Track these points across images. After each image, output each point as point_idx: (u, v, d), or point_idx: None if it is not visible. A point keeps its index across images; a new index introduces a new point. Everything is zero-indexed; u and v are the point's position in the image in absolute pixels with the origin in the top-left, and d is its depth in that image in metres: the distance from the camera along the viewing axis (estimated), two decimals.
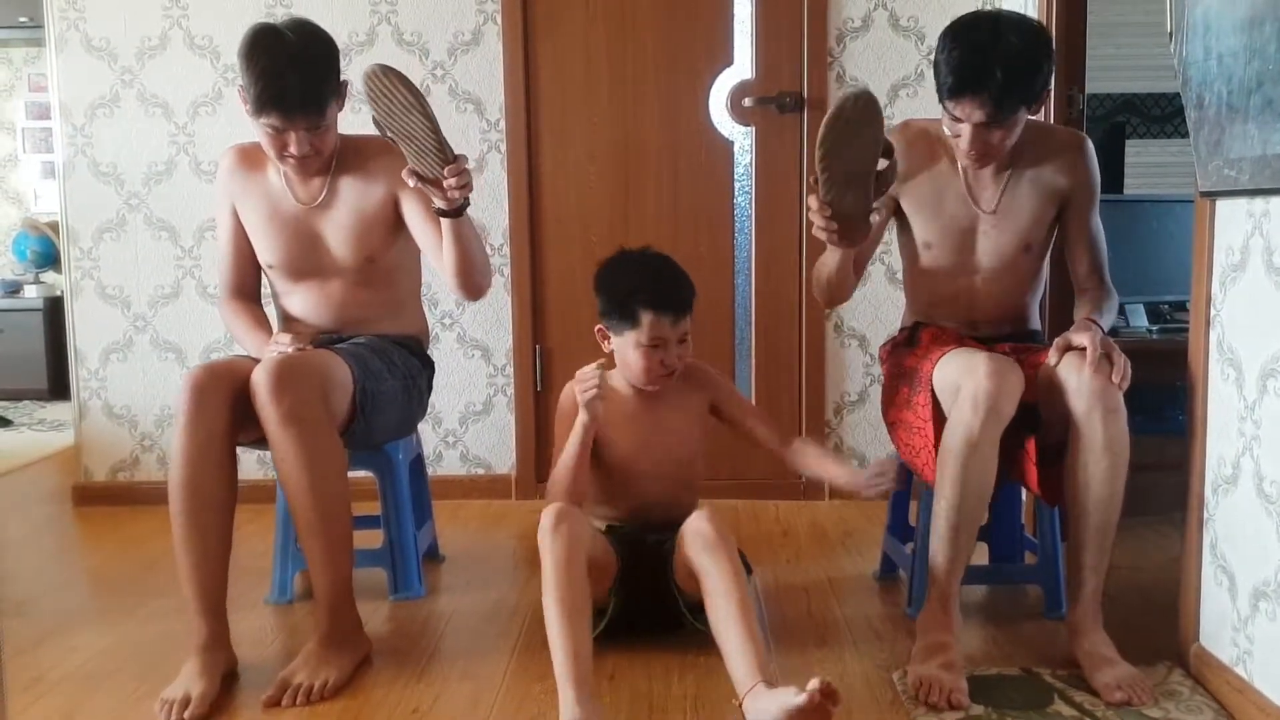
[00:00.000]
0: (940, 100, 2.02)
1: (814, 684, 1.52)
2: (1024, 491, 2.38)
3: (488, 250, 3.15)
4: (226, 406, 1.92)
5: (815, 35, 3.09)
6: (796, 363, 3.20)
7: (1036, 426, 1.97)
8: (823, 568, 2.57)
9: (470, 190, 1.97)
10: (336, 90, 2.12)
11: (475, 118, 3.16)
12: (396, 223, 2.23)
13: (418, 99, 1.84)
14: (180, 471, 1.90)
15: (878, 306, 3.07)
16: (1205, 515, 1.86)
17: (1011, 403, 1.87)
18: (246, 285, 2.32)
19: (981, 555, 2.36)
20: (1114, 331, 2.02)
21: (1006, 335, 2.16)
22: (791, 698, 1.54)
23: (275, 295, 2.32)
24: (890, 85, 3.11)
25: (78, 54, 3.18)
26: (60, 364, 4.70)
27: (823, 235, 1.93)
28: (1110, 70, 4.06)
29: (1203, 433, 1.86)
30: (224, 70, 3.15)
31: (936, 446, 1.94)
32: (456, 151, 1.92)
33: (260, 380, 1.91)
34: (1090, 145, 2.16)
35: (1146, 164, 4.20)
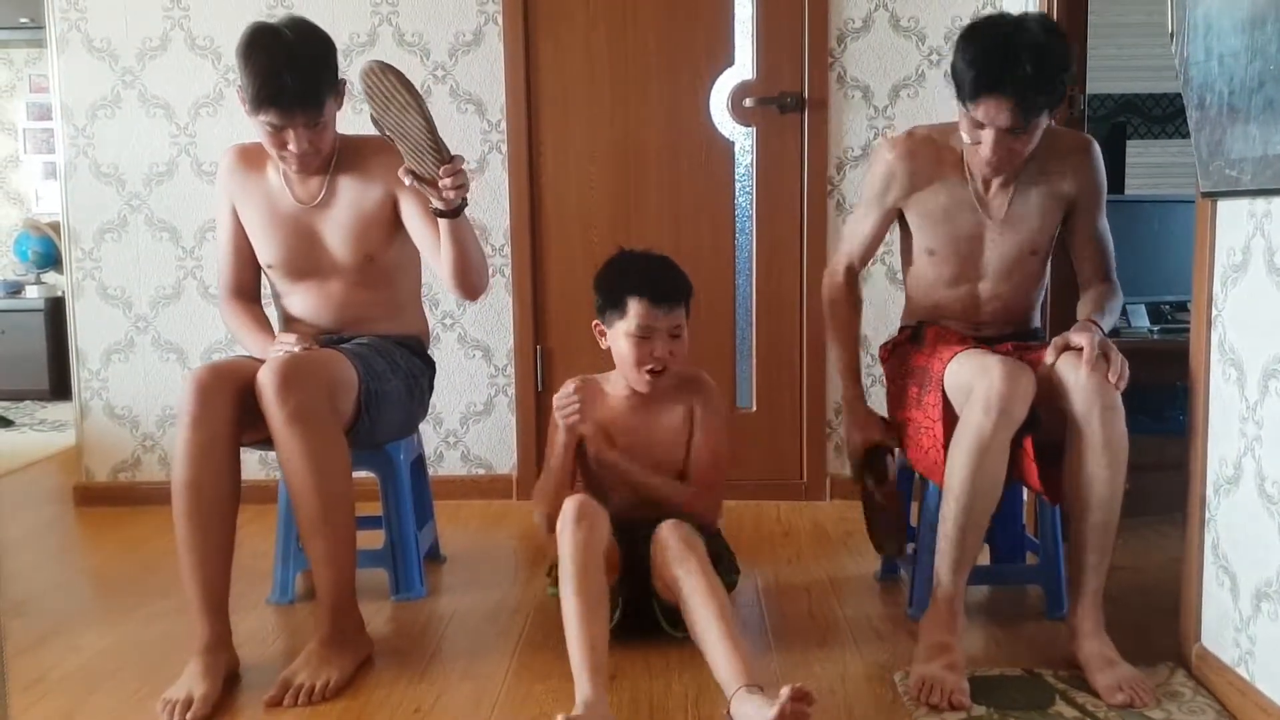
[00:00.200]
0: (962, 103, 1.96)
1: (785, 693, 1.54)
2: (1025, 492, 2.38)
3: (489, 250, 3.16)
4: (230, 407, 1.93)
5: (816, 36, 3.09)
6: (797, 362, 3.20)
7: (1035, 425, 1.97)
8: (824, 568, 2.57)
9: (467, 191, 1.97)
10: (334, 87, 2.12)
11: (476, 118, 3.17)
12: (396, 222, 2.23)
13: (415, 98, 1.84)
14: (183, 472, 1.90)
15: (879, 306, 3.07)
16: (1207, 516, 1.86)
17: (1024, 406, 1.86)
18: (246, 285, 2.32)
19: (983, 556, 2.35)
20: (1115, 332, 2.02)
21: (1009, 335, 2.15)
22: (766, 710, 1.55)
23: (276, 296, 2.32)
24: (891, 85, 3.11)
25: (79, 55, 3.18)
26: (62, 364, 4.70)
27: None
28: (1111, 71, 4.06)
29: (1204, 433, 1.86)
30: (225, 71, 3.15)
31: (946, 447, 1.93)
32: (455, 152, 1.93)
33: (266, 379, 1.91)
34: (1097, 148, 2.13)
35: (1148, 164, 4.20)
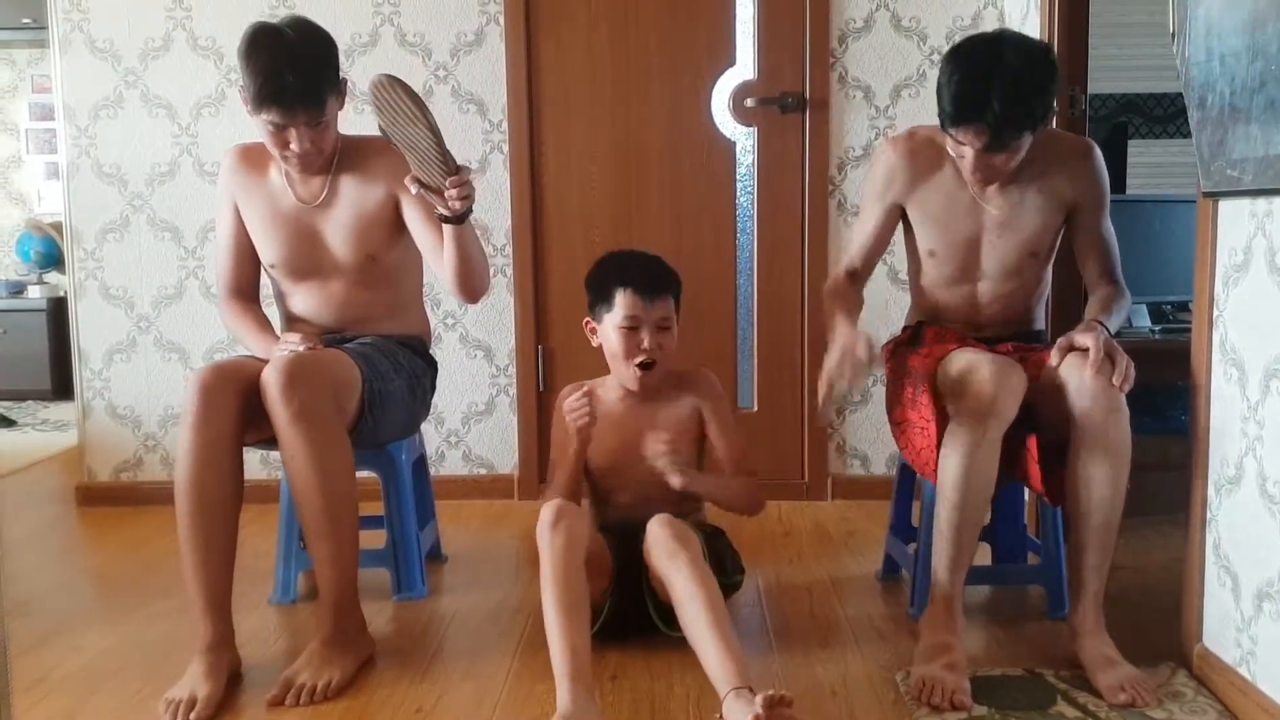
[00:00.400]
0: (942, 126, 2.00)
1: (758, 701, 1.55)
2: (1027, 492, 2.38)
3: (490, 250, 3.17)
4: (234, 407, 1.93)
5: (817, 36, 3.09)
6: (798, 362, 3.20)
7: (1037, 426, 1.97)
8: (825, 568, 2.57)
9: (472, 200, 1.98)
10: (336, 86, 2.12)
11: (478, 118, 3.17)
12: (397, 222, 2.24)
13: (422, 111, 1.85)
14: (187, 472, 1.90)
15: (881, 306, 3.07)
16: (1208, 516, 1.86)
17: (1014, 403, 1.87)
18: (246, 285, 2.33)
19: (984, 556, 2.36)
20: (1117, 332, 2.01)
21: (1010, 336, 2.15)
22: (746, 717, 1.56)
23: (278, 295, 2.32)
24: (892, 86, 3.11)
25: (81, 55, 3.18)
26: (64, 364, 4.69)
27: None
28: (1112, 70, 4.06)
29: (1205, 433, 1.86)
30: (227, 71, 3.15)
31: (939, 446, 1.94)
32: (460, 159, 1.94)
33: (271, 379, 1.91)
34: (1098, 152, 2.13)
35: (1149, 164, 4.20)
